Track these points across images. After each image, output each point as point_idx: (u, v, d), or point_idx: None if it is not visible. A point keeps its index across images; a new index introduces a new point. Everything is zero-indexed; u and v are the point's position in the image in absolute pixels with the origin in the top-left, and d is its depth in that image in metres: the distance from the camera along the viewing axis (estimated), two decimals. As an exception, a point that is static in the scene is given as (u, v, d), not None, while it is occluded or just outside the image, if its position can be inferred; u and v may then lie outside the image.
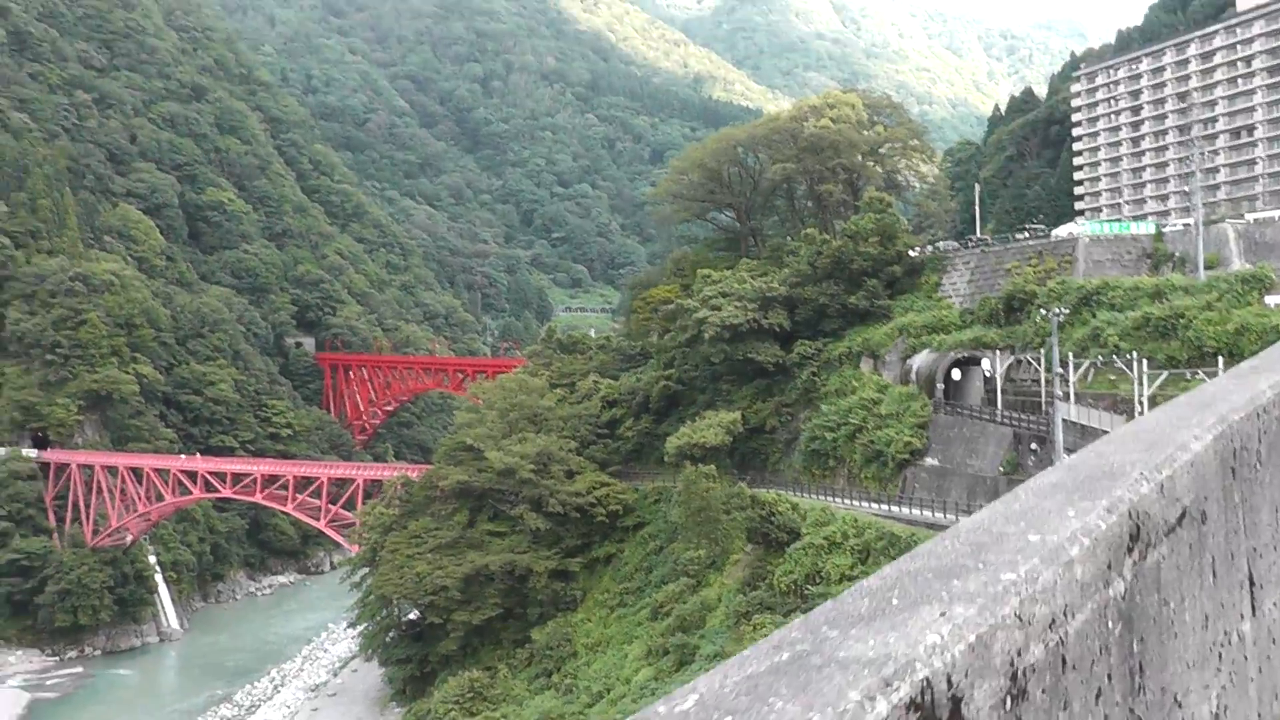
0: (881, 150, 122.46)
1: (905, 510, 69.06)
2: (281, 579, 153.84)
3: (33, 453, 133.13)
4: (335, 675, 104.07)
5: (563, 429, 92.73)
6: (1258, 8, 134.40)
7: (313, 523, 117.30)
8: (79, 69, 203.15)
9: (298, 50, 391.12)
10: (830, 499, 74.93)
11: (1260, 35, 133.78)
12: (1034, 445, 66.71)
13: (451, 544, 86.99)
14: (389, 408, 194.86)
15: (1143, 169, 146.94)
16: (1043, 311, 68.55)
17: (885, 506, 70.67)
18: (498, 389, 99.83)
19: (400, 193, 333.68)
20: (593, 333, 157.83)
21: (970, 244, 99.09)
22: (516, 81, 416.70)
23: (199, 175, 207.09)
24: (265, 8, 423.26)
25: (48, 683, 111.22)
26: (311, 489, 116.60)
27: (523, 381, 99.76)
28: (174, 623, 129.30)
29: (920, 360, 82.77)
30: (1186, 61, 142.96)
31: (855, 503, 72.98)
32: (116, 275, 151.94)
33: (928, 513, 67.08)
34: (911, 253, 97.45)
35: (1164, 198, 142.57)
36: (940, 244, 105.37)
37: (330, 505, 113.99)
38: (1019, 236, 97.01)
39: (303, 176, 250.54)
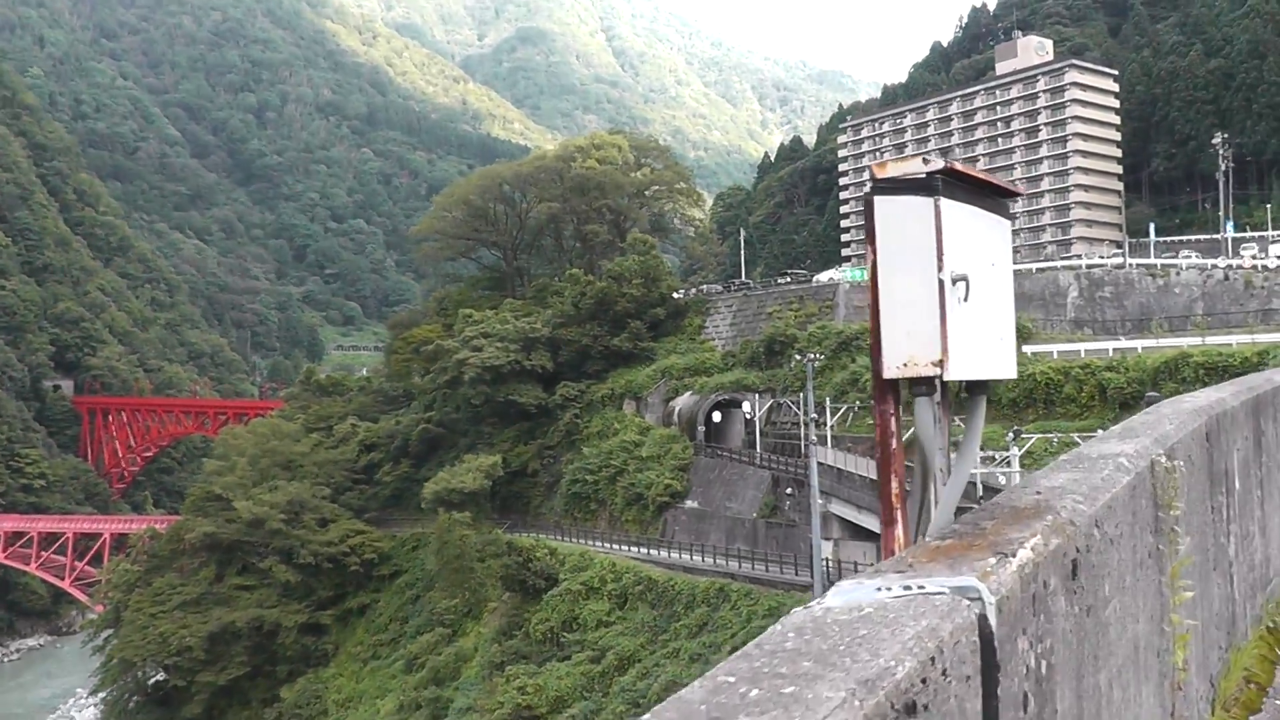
0: (648, 192, 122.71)
1: (664, 554, 68.29)
2: (30, 642, 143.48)
3: None
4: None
5: (317, 475, 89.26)
6: (1014, 73, 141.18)
7: (57, 582, 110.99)
8: None
9: (68, 73, 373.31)
10: (591, 543, 73.83)
11: (1018, 99, 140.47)
12: (790, 489, 66.69)
13: (197, 600, 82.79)
14: (148, 454, 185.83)
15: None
16: (797, 356, 68.80)
17: (645, 550, 69.85)
18: (249, 434, 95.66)
19: (170, 225, 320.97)
20: (364, 372, 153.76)
21: (733, 287, 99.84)
22: (291, 113, 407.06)
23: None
24: (35, 27, 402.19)
25: None
26: (57, 545, 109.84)
27: (276, 426, 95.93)
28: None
29: (682, 402, 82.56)
30: (949, 119, 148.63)
31: (616, 546, 72.02)
32: None
33: (686, 555, 66.50)
34: (676, 295, 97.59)
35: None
36: (704, 287, 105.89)
37: (77, 562, 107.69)
38: (781, 281, 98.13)
39: (66, 207, 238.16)
